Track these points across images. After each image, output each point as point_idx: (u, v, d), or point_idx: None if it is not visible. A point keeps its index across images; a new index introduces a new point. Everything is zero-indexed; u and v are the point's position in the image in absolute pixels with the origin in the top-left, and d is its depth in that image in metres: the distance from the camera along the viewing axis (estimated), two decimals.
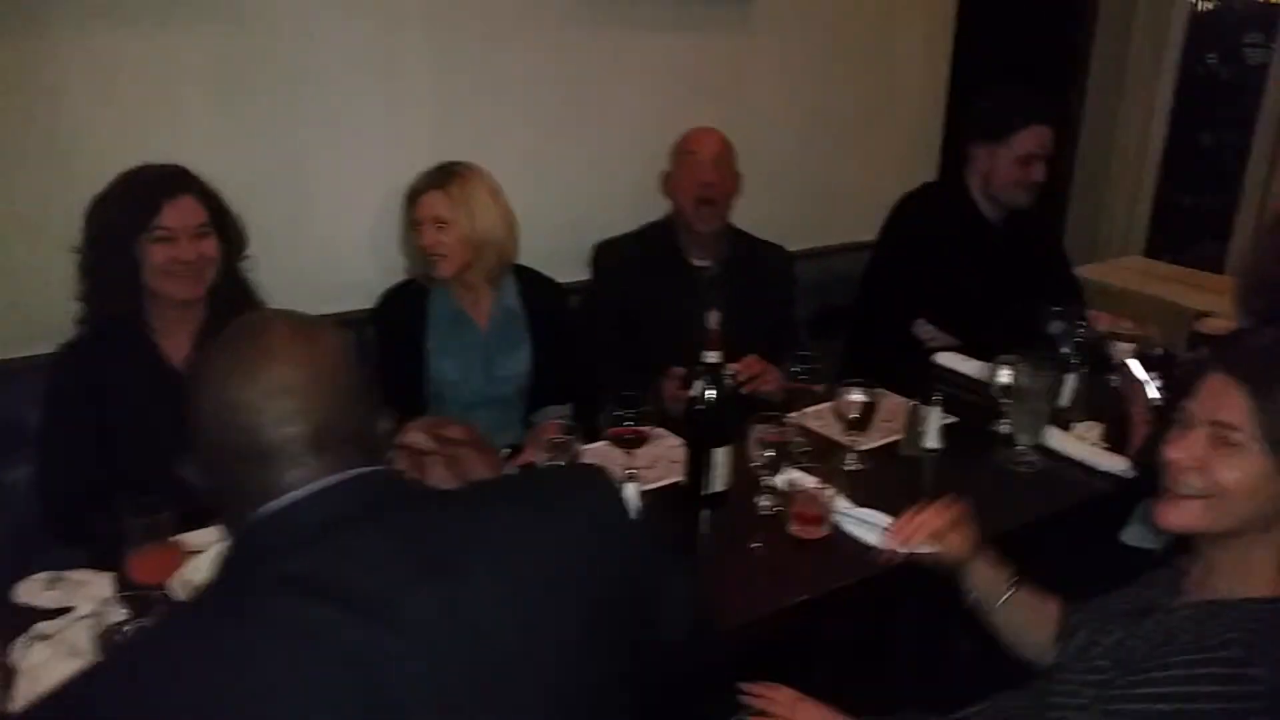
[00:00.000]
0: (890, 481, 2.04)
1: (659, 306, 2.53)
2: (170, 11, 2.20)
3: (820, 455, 2.06)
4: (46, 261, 2.03)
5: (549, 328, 2.34)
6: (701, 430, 1.84)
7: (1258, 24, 4.19)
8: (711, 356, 1.82)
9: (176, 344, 1.98)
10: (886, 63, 3.28)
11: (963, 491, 2.04)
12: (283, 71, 2.35)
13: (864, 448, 2.11)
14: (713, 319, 1.81)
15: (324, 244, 2.51)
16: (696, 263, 2.59)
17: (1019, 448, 2.10)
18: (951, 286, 2.65)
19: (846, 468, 2.05)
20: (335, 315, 2.46)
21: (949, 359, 2.55)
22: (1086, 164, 4.31)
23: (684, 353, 2.35)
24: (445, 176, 2.20)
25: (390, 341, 2.29)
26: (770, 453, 1.81)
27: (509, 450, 1.94)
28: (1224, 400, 1.13)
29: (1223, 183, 4.09)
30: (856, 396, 2.04)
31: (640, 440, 1.85)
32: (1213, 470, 1.14)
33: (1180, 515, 1.18)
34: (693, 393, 1.82)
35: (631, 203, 2.69)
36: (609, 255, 2.62)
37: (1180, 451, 1.17)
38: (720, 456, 1.83)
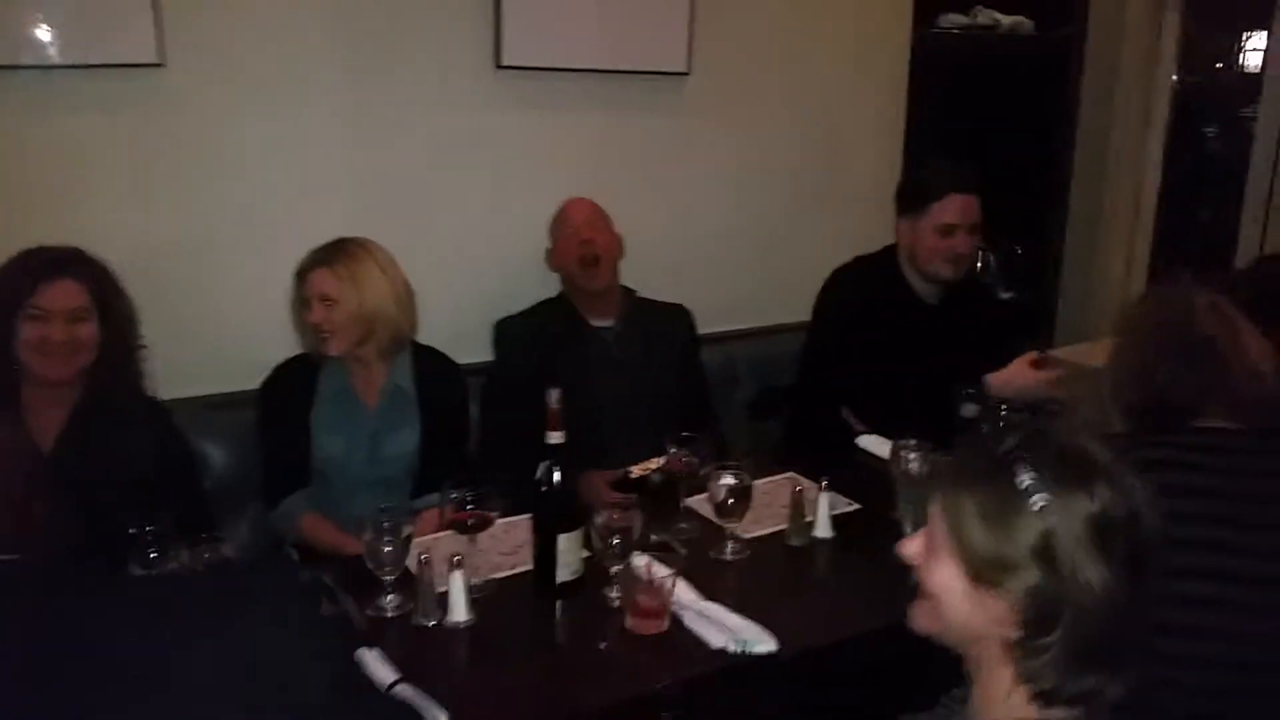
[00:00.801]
0: (768, 573, 1.93)
1: (566, 374, 2.44)
2: (82, 96, 2.26)
3: (703, 543, 1.97)
4: None
5: (441, 409, 2.30)
6: (547, 515, 1.76)
7: (1253, 96, 4.06)
8: (554, 437, 1.76)
9: (46, 422, 1.98)
10: (835, 136, 3.22)
11: (842, 586, 1.95)
12: (194, 153, 2.39)
13: (748, 535, 2.01)
14: (553, 396, 1.75)
15: (237, 322, 2.51)
16: (597, 324, 2.57)
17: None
18: (876, 367, 2.55)
19: (724, 557, 1.95)
20: (247, 392, 2.47)
21: (871, 442, 2.45)
22: (1076, 243, 4.18)
23: (595, 421, 2.35)
24: (333, 253, 2.19)
25: (276, 416, 2.27)
26: (616, 540, 1.73)
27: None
28: (930, 504, 1.06)
29: (1220, 261, 3.92)
30: (726, 480, 1.95)
31: (483, 524, 1.78)
32: (923, 571, 1.06)
33: (914, 616, 1.10)
34: (537, 475, 1.75)
35: (553, 285, 2.67)
36: (510, 330, 2.59)
37: (903, 548, 1.09)
38: (566, 544, 1.75)
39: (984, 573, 0.99)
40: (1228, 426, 1.52)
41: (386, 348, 2.22)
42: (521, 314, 2.61)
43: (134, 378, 2.08)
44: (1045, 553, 0.95)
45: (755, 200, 3.13)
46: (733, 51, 2.97)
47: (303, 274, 2.20)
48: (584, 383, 2.37)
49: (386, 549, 1.70)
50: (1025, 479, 0.97)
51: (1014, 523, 0.97)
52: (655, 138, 2.91)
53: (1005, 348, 2.56)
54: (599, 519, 1.73)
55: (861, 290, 2.65)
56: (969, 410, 2.27)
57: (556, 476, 1.75)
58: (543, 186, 2.72)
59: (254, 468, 2.35)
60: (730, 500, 1.94)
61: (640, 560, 1.71)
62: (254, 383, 2.45)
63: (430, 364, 2.32)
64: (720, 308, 3.05)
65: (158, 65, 2.27)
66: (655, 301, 2.70)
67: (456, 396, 2.36)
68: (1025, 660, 0.98)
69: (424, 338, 2.51)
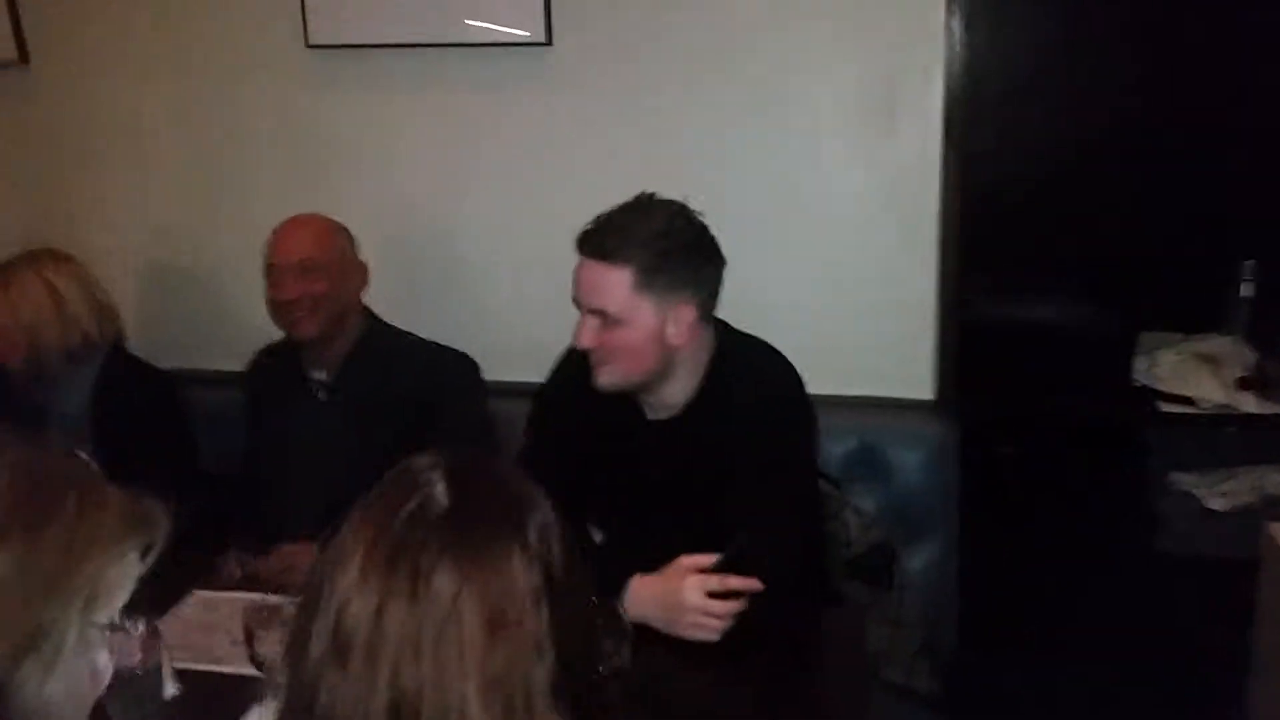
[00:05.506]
0: None
1: (277, 432, 2.19)
2: None
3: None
4: None
5: (118, 427, 2.13)
6: None
7: None
8: None
9: None
10: (801, 110, 2.27)
11: None
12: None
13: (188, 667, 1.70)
14: None
15: None
16: (313, 375, 2.14)
17: None
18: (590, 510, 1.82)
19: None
20: None
21: None
22: None
23: (305, 490, 1.99)
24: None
25: None
26: None
27: None
28: None
29: None
30: None
31: None
32: None
33: None
34: None
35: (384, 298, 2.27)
36: (259, 365, 2.25)
37: None
38: None
39: None
40: None
41: (55, 364, 2.14)
42: (278, 344, 2.22)
43: None
44: None
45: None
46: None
47: None
48: (294, 445, 2.13)
49: None
50: None
51: None
52: (508, 122, 2.35)
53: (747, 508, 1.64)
54: None
55: (577, 392, 1.80)
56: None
57: None
58: (369, 181, 2.42)
59: None
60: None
61: None
62: None
63: (115, 377, 2.20)
64: None
65: None
66: (414, 341, 2.19)
67: (145, 411, 2.19)
68: None
69: (216, 345, 2.47)
